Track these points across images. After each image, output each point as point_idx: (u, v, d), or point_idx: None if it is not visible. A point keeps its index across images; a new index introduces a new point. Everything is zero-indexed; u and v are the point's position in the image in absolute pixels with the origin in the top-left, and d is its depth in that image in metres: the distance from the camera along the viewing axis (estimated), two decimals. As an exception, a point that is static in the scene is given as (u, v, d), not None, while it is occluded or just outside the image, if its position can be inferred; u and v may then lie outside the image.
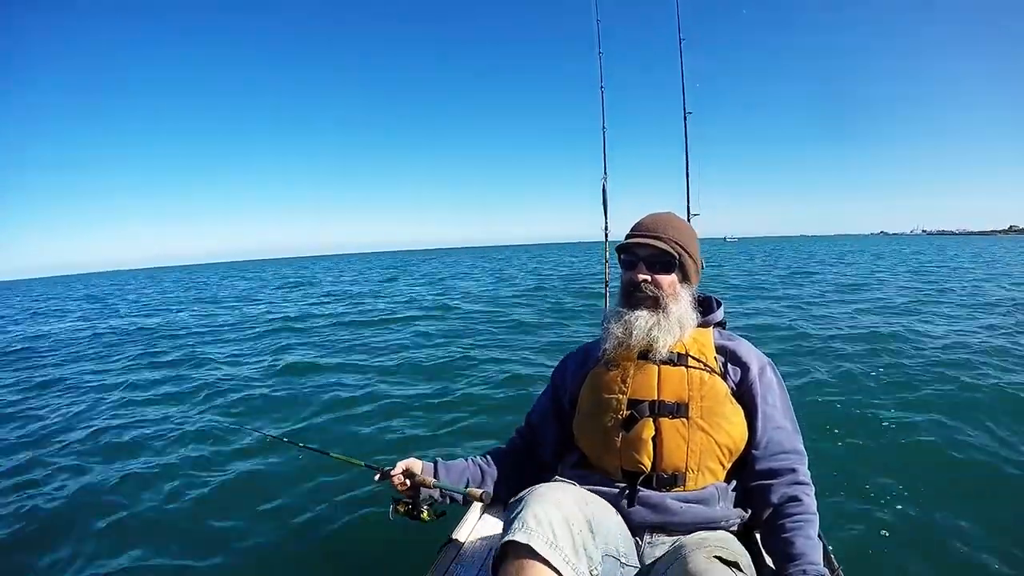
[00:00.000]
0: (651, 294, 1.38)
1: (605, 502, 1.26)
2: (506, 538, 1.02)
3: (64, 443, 3.96)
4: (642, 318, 1.35)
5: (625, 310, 1.39)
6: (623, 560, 1.18)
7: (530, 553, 0.99)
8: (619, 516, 1.26)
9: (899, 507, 2.58)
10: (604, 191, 3.02)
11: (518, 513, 1.05)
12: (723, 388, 1.34)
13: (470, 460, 1.55)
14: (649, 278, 1.38)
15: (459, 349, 6.70)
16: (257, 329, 9.42)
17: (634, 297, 1.39)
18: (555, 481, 1.25)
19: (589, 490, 1.32)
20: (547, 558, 0.98)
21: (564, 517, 1.05)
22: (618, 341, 1.37)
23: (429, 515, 1.41)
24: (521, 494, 1.13)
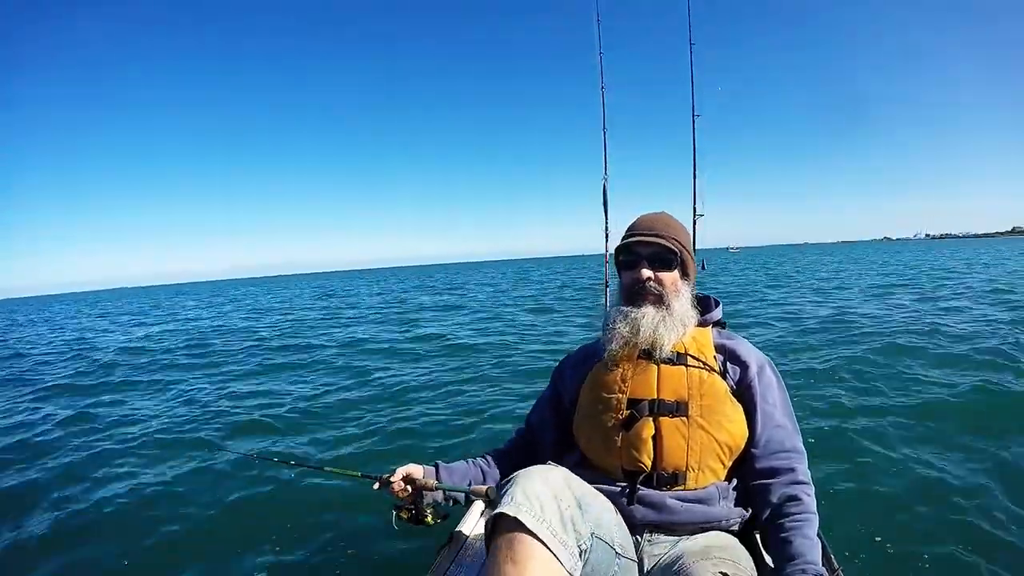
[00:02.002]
0: (655, 291, 1.38)
1: (600, 493, 1.25)
2: (495, 511, 1.05)
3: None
4: (648, 315, 1.35)
5: (630, 309, 1.38)
6: (618, 550, 1.16)
7: (518, 526, 1.00)
8: (616, 510, 1.25)
9: (900, 505, 2.58)
10: (605, 192, 3.02)
11: (508, 489, 1.07)
12: (723, 387, 1.33)
13: (470, 462, 1.55)
14: (652, 276, 1.38)
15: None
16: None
17: (638, 296, 1.39)
18: (548, 464, 1.25)
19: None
20: (534, 531, 1.00)
21: (552, 493, 1.07)
22: (624, 340, 1.36)
23: (433, 519, 1.40)
24: (513, 474, 1.14)
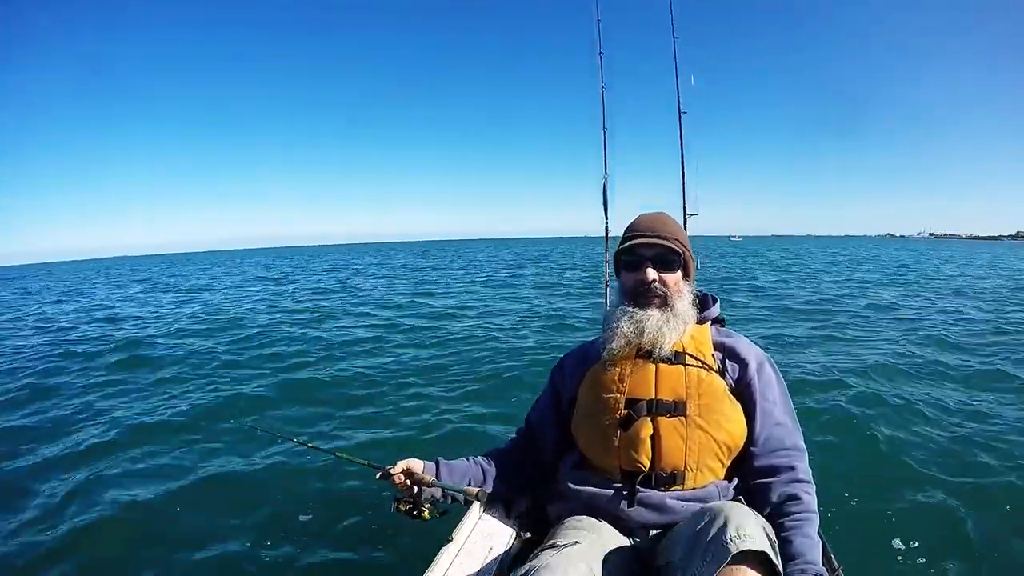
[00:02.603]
0: (660, 293, 1.38)
1: (613, 552, 1.21)
2: None
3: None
4: (653, 318, 1.35)
5: (635, 310, 1.38)
6: None
7: None
8: (626, 549, 1.24)
9: (901, 503, 2.57)
10: (605, 191, 3.02)
11: None
12: (721, 385, 1.33)
13: (471, 460, 1.55)
14: (658, 277, 1.39)
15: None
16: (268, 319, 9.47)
17: (643, 297, 1.38)
18: (557, 549, 1.14)
19: (588, 492, 1.33)
20: None
21: None
22: (627, 340, 1.36)
23: (431, 514, 1.43)
24: (525, 571, 1.08)
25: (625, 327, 1.36)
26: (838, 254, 35.06)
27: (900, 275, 16.78)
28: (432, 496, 1.45)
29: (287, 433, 2.96)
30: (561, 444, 1.51)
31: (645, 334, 1.34)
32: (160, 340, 7.47)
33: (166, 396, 4.78)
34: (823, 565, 1.19)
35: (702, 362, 1.35)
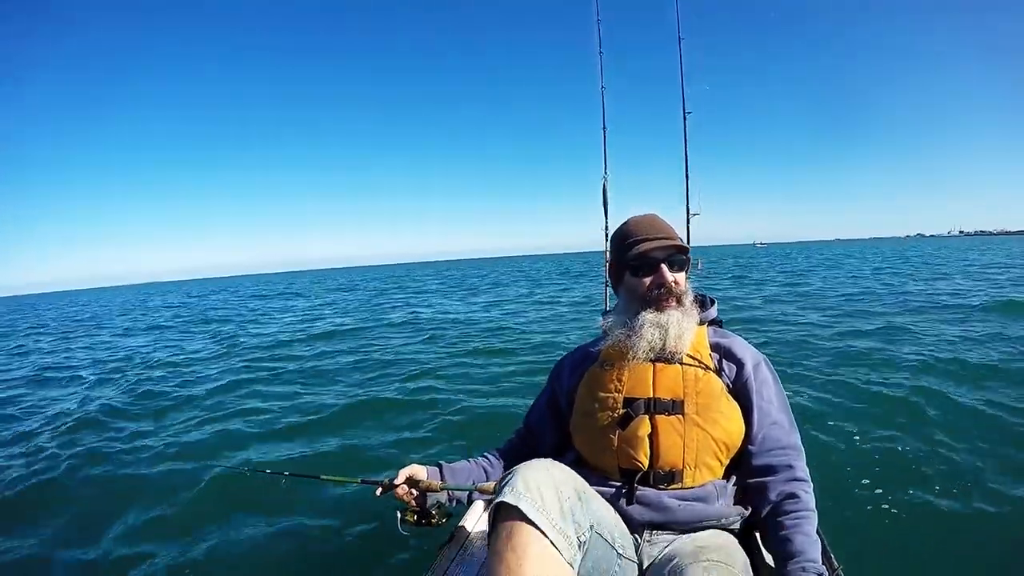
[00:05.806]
0: (678, 293, 1.40)
1: (599, 495, 1.25)
2: (497, 499, 1.06)
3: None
4: (675, 318, 1.36)
5: (658, 314, 1.38)
6: (619, 550, 1.17)
7: (518, 514, 1.01)
8: (615, 512, 1.26)
9: (901, 501, 2.54)
10: (604, 191, 3.02)
11: (509, 479, 1.08)
12: (718, 384, 1.34)
13: (472, 461, 1.57)
14: (673, 277, 1.40)
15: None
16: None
17: (662, 299, 1.39)
18: (550, 460, 1.23)
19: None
20: (534, 520, 1.00)
21: (553, 483, 1.07)
22: (651, 345, 1.36)
23: (439, 519, 1.43)
24: (515, 466, 1.14)
25: (650, 334, 1.36)
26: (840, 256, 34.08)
27: None
28: (438, 500, 1.46)
29: (258, 466, 2.79)
30: (560, 444, 1.52)
31: (670, 336, 1.35)
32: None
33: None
34: (822, 564, 1.18)
35: (699, 361, 1.36)
